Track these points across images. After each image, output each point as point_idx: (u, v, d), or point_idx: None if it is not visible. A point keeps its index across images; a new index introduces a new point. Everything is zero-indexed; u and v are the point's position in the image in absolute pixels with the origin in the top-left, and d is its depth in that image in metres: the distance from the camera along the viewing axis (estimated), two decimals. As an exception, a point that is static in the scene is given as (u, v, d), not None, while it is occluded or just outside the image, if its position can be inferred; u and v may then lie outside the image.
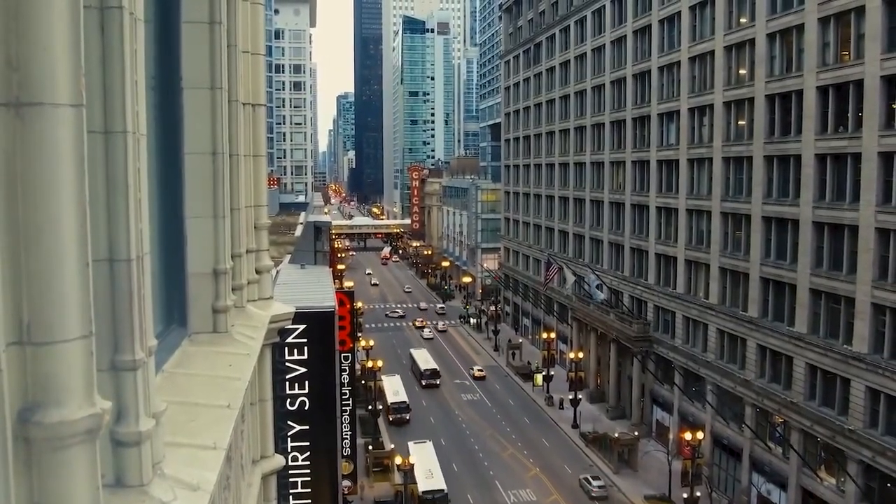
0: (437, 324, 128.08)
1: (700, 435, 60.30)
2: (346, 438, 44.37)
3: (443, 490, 59.55)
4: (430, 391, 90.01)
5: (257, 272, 9.30)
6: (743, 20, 59.31)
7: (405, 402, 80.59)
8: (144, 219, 4.41)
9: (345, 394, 41.43)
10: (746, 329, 59.03)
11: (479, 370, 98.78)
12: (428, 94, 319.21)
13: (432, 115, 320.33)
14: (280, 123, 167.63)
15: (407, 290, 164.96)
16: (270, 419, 9.49)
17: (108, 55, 3.97)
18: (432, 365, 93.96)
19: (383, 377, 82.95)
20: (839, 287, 49.53)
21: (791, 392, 53.84)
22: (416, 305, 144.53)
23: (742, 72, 59.77)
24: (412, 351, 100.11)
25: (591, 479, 64.25)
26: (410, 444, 63.89)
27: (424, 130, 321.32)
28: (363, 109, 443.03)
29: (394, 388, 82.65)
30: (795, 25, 53.05)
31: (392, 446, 70.08)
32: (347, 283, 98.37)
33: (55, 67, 3.21)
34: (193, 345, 7.18)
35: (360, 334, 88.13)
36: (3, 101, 3.09)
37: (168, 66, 6.93)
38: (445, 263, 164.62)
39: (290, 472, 23.89)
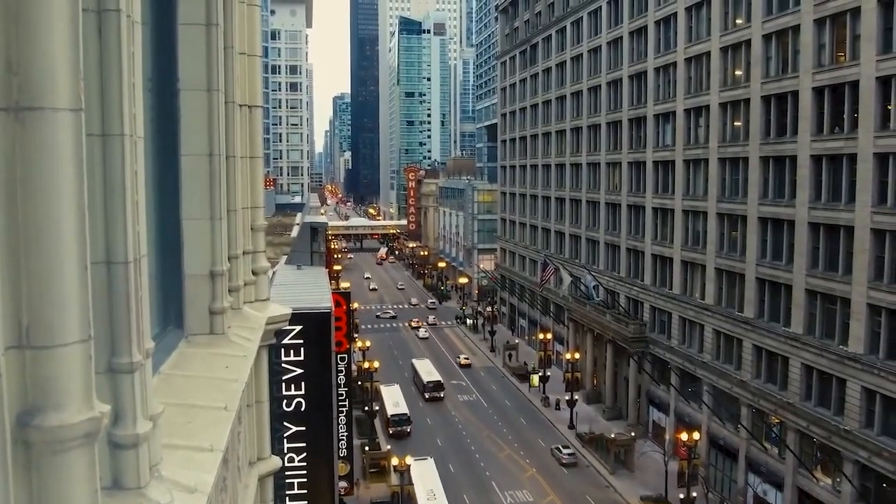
0: (427, 318, 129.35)
1: (696, 435, 60.40)
2: (343, 439, 44.31)
3: None
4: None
5: (254, 273, 9.31)
6: (739, 21, 59.38)
7: (406, 413, 77.10)
8: (142, 221, 4.41)
9: (341, 395, 41.38)
10: (742, 330, 59.10)
11: (464, 358, 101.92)
12: (424, 95, 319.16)
13: (428, 115, 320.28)
14: (276, 124, 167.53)
15: (399, 286, 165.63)
16: (267, 421, 9.50)
17: (105, 58, 3.98)
18: (436, 376, 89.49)
19: (382, 387, 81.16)
20: (835, 288, 49.64)
21: (787, 392, 53.92)
22: (408, 301, 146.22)
23: (738, 73, 59.85)
24: (414, 361, 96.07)
25: (561, 447, 70.84)
26: (411, 460, 61.18)
27: (421, 131, 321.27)
28: (359, 110, 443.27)
29: (394, 400, 79.28)
30: (791, 26, 53.17)
31: (388, 447, 70.00)
32: (344, 284, 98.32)
33: (55, 71, 3.22)
34: (190, 346, 7.18)
35: (356, 335, 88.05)
36: (3, 105, 3.10)
37: (165, 68, 6.93)
38: (442, 264, 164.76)
39: (287, 473, 23.87)
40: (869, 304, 46.70)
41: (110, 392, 4.09)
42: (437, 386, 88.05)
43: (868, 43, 46.34)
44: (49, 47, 3.19)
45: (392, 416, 76.52)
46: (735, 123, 60.40)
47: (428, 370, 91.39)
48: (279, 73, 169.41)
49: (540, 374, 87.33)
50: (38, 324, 3.27)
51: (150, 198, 5.84)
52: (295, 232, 53.17)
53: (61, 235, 3.31)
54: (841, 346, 49.06)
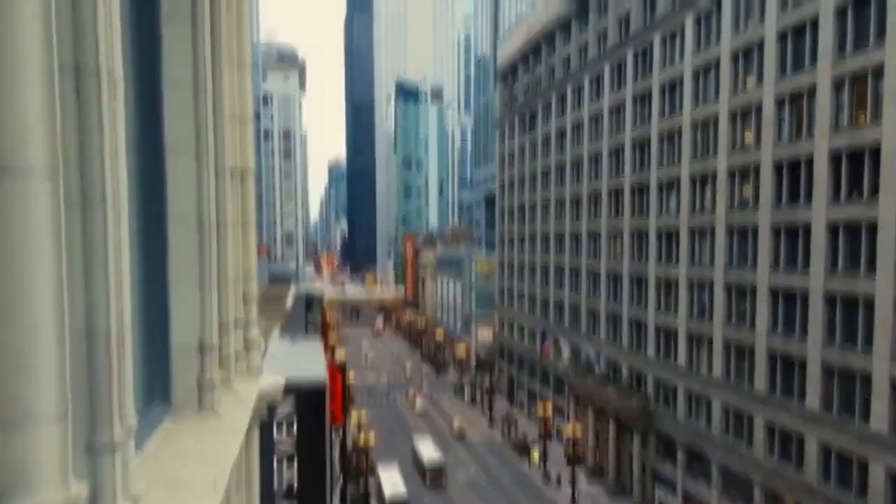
0: (424, 389, 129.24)
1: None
2: (338, 515, 43.65)
3: None
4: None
5: (245, 345, 9.13)
6: (749, 84, 58.41)
7: (405, 499, 72.85)
8: (125, 291, 4.27)
9: (336, 471, 40.87)
10: (753, 405, 57.86)
11: (458, 425, 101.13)
12: (421, 163, 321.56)
13: (426, 183, 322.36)
14: (270, 191, 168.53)
15: (397, 358, 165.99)
16: (257, 500, 9.23)
17: (84, 120, 3.86)
18: (438, 459, 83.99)
19: (380, 469, 78.24)
20: (854, 362, 48.18)
21: (803, 472, 52.47)
22: (405, 374, 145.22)
23: (748, 136, 58.70)
24: (415, 441, 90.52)
25: None
26: None
27: (418, 199, 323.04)
28: (356, 177, 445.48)
29: (392, 481, 75.40)
30: (807, 88, 52.01)
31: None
32: (339, 356, 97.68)
33: (28, 133, 3.10)
34: (177, 422, 7.00)
35: (351, 407, 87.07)
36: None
37: (150, 130, 6.83)
38: (440, 332, 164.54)
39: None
40: (892, 379, 45.36)
41: (89, 471, 3.98)
42: (439, 470, 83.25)
43: (892, 104, 45.01)
44: (22, 107, 3.07)
45: (391, 500, 72.65)
46: (744, 190, 59.36)
47: (429, 451, 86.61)
48: (272, 138, 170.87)
49: (539, 449, 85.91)
50: (9, 400, 3.15)
51: (134, 265, 5.71)
52: (289, 302, 53.04)
53: (36, 306, 3.22)
54: (862, 424, 47.69)
